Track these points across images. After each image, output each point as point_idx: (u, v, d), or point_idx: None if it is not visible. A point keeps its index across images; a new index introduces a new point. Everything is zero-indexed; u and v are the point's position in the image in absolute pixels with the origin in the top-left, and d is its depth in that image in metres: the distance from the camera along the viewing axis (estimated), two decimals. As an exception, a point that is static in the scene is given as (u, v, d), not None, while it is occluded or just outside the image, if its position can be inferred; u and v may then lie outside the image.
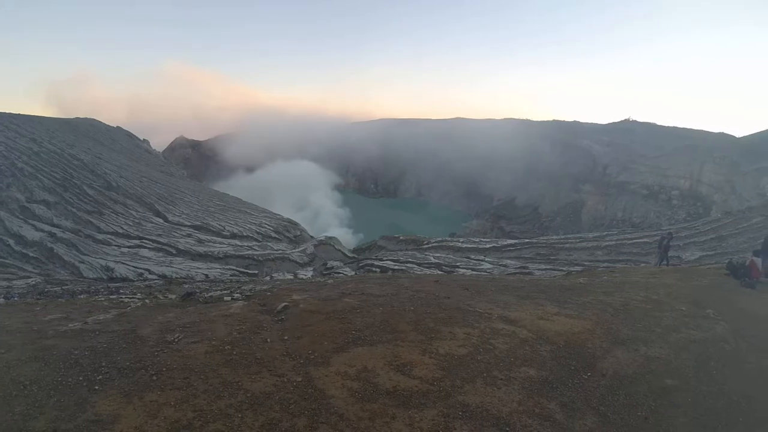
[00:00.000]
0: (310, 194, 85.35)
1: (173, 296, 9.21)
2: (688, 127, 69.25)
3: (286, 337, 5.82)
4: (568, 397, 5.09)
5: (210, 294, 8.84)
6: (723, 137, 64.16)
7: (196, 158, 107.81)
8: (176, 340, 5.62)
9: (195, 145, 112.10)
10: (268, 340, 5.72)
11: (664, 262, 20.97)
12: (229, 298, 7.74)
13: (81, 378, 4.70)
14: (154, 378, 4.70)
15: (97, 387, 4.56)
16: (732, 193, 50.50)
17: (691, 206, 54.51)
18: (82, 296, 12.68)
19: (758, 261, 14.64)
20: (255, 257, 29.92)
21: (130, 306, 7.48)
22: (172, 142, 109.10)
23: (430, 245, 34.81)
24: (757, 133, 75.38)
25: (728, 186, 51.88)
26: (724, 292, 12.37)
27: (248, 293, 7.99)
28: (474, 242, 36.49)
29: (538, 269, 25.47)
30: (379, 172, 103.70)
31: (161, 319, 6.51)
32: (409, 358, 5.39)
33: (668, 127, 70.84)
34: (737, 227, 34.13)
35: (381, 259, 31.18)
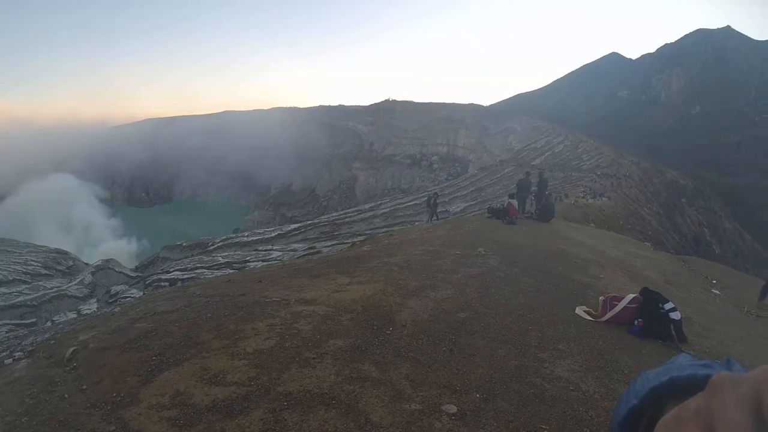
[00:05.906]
0: (74, 210, 73.96)
1: (-55, 377, 7.32)
2: (443, 101, 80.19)
3: (84, 387, 5.01)
4: (379, 354, 5.40)
5: (-13, 363, 7.37)
6: (473, 107, 76.15)
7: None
8: (-36, 430, 4.46)
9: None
10: (66, 395, 4.85)
11: (435, 218, 23.86)
12: (10, 360, 6.47)
13: None
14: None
15: None
16: (484, 151, 60.85)
17: (450, 167, 63.92)
18: None
19: (514, 202, 17.92)
20: (28, 303, 25.24)
21: None
22: None
23: (216, 246, 33.96)
24: (501, 101, 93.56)
25: (480, 146, 62.40)
26: (489, 232, 14.64)
27: (30, 348, 6.69)
28: (259, 234, 36.81)
29: (325, 246, 26.73)
30: (150, 178, 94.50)
31: (-58, 410, 5.07)
32: (220, 367, 5.13)
33: (424, 103, 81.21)
34: (492, 178, 41.03)
35: (168, 272, 29.41)
